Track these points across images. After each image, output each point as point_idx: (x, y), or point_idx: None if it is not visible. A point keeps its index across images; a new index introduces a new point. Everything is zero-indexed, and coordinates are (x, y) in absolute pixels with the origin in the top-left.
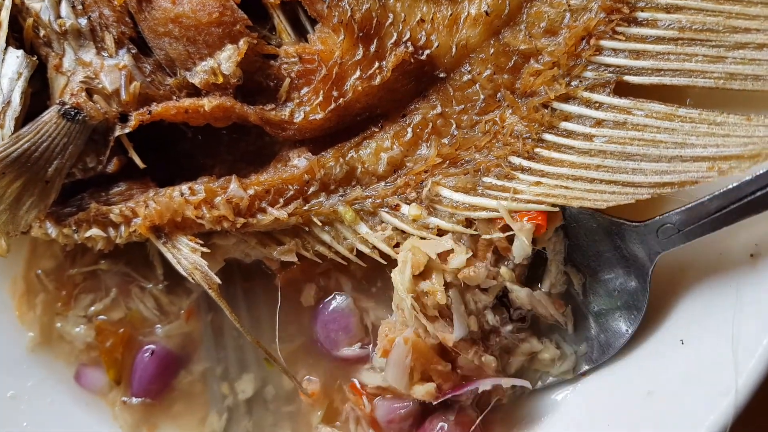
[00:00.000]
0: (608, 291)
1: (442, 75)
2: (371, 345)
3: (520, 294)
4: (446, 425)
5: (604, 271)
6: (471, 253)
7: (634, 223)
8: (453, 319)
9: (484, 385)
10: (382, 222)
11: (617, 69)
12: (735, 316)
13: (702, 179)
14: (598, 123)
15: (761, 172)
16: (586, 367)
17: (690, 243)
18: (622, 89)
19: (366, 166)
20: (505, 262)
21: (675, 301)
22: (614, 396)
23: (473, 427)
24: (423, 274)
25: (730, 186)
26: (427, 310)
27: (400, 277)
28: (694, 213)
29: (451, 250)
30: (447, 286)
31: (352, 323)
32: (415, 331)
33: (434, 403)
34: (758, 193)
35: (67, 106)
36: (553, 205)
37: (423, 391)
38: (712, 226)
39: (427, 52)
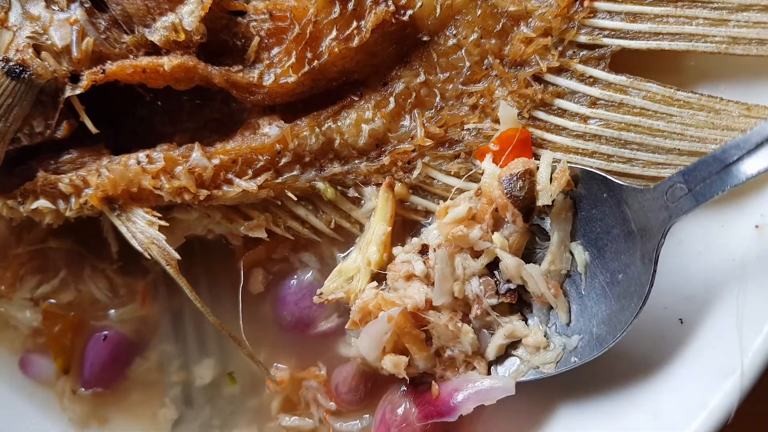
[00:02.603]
0: (613, 275)
1: (425, 38)
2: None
3: (508, 263)
4: (408, 404)
5: (610, 252)
6: (471, 206)
7: (642, 187)
8: (435, 282)
9: (461, 397)
10: (362, 199)
11: (612, 33)
12: (739, 291)
13: None
14: (593, 103)
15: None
16: (578, 362)
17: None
18: (618, 65)
19: (345, 137)
20: (502, 229)
21: (673, 277)
22: (609, 378)
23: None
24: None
25: (742, 136)
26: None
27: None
28: (705, 167)
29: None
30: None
31: None
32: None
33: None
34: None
35: (11, 63)
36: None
37: (391, 363)
38: (724, 182)
39: (410, 12)
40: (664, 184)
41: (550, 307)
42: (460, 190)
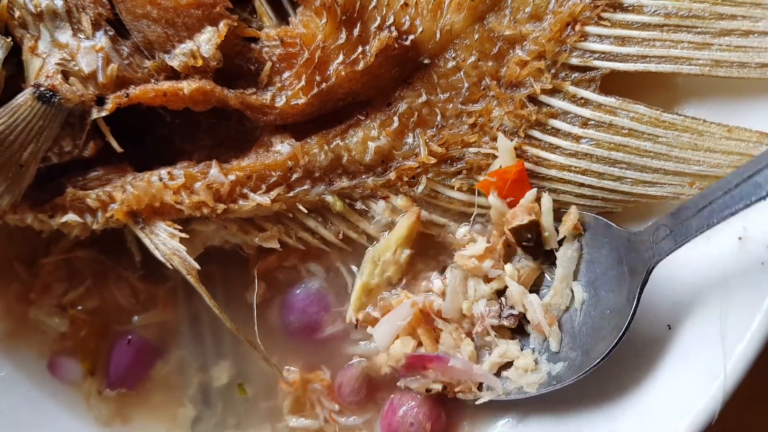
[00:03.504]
0: (603, 311)
1: (426, 61)
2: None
3: (513, 290)
4: (415, 402)
5: (604, 291)
6: (489, 244)
7: (634, 231)
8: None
9: (455, 362)
10: (368, 211)
11: (602, 55)
12: (723, 299)
13: (683, 195)
14: (585, 123)
15: (743, 166)
16: (556, 386)
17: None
18: (611, 84)
19: (353, 154)
20: (515, 260)
21: (662, 285)
22: (602, 382)
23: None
24: None
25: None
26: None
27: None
28: (682, 213)
29: None
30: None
31: (330, 301)
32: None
33: (402, 368)
34: (742, 186)
35: (42, 89)
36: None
37: (400, 344)
38: (700, 223)
39: (411, 37)
40: (653, 226)
41: (545, 337)
42: (465, 203)
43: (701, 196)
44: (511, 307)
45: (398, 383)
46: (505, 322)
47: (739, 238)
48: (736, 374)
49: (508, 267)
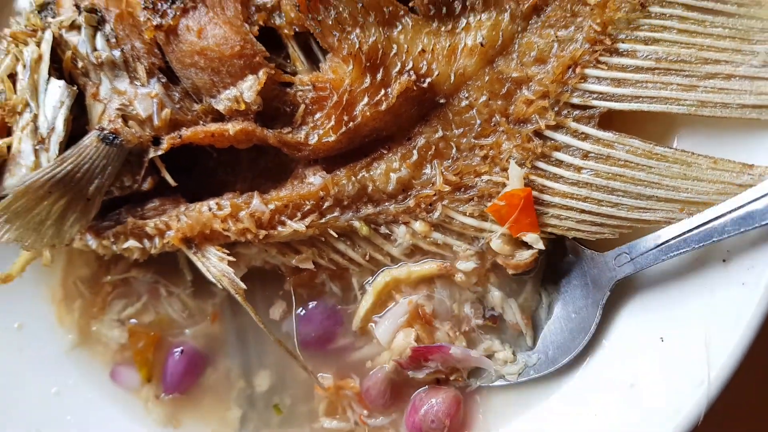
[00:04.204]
0: (569, 314)
1: (442, 101)
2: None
3: (495, 294)
4: (435, 401)
5: (569, 296)
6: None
7: (598, 253)
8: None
9: (455, 350)
10: (391, 235)
11: (600, 95)
12: (708, 315)
13: (674, 219)
14: (585, 155)
15: (695, 216)
16: (534, 375)
17: (642, 271)
18: (606, 122)
19: (377, 184)
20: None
21: (655, 301)
22: (600, 388)
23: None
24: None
25: (671, 226)
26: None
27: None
28: (642, 245)
29: None
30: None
31: (343, 317)
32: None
33: (407, 359)
34: (695, 231)
35: (105, 132)
36: (551, 234)
37: (402, 337)
38: (656, 256)
39: (429, 80)
40: (614, 251)
41: (521, 333)
42: (477, 229)
43: (656, 236)
44: (492, 309)
45: (409, 374)
46: (488, 323)
47: (723, 261)
48: (719, 382)
49: (493, 278)
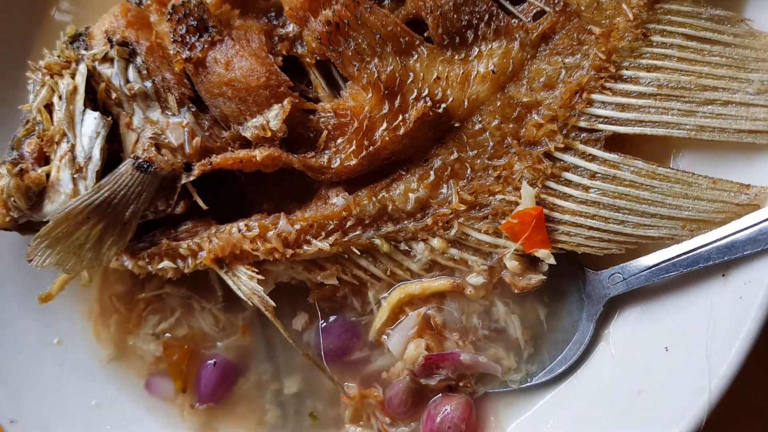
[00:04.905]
0: (566, 326)
1: (456, 124)
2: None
3: (499, 309)
4: (449, 408)
5: (566, 310)
6: (486, 280)
7: (594, 271)
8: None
9: (464, 356)
10: (411, 251)
11: (606, 120)
12: (709, 327)
13: (677, 236)
14: (593, 176)
15: (684, 243)
16: (535, 382)
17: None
18: (612, 143)
19: (396, 204)
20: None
21: (659, 313)
22: (609, 393)
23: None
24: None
25: (664, 250)
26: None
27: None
28: (634, 267)
29: None
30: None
31: (360, 330)
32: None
33: (420, 368)
34: (683, 256)
35: (140, 160)
36: (561, 249)
37: (413, 347)
38: (647, 278)
39: (444, 105)
40: (609, 271)
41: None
42: (491, 245)
43: (648, 258)
44: (496, 321)
45: (422, 381)
46: (493, 333)
47: (723, 275)
48: (719, 390)
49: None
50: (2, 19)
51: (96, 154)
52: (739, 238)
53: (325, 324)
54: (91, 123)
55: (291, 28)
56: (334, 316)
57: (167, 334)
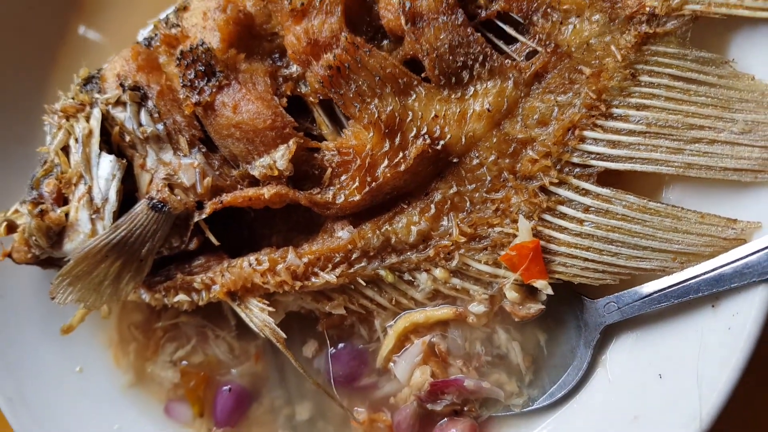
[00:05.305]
0: (564, 352)
1: (455, 160)
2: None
3: (501, 336)
4: (455, 431)
5: (565, 336)
6: (488, 308)
7: (590, 300)
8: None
9: (468, 382)
10: (414, 281)
11: (598, 156)
12: (700, 356)
13: (668, 269)
14: (586, 209)
15: (675, 275)
16: (536, 406)
17: (628, 318)
18: (605, 177)
19: (399, 236)
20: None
21: (654, 342)
22: (607, 419)
23: None
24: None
25: (656, 281)
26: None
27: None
28: (628, 297)
29: None
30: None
31: (368, 357)
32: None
33: (426, 393)
34: (674, 288)
35: (154, 201)
36: (558, 280)
37: (419, 374)
38: (640, 307)
39: (442, 142)
40: (604, 300)
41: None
42: (491, 275)
43: (641, 288)
44: (498, 347)
45: (428, 406)
46: (495, 360)
47: (712, 306)
48: (710, 417)
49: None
50: (16, 63)
51: (112, 195)
52: (726, 271)
53: (334, 351)
54: (106, 166)
55: (294, 68)
56: (343, 344)
57: (184, 362)
